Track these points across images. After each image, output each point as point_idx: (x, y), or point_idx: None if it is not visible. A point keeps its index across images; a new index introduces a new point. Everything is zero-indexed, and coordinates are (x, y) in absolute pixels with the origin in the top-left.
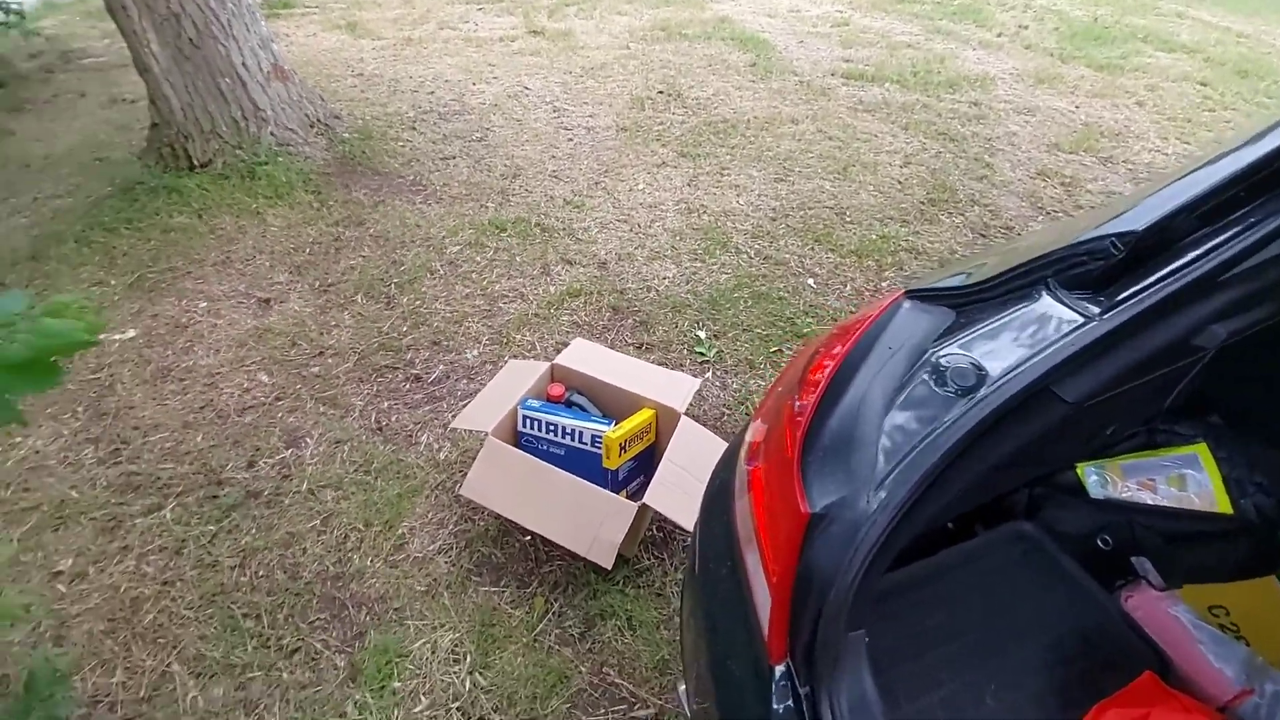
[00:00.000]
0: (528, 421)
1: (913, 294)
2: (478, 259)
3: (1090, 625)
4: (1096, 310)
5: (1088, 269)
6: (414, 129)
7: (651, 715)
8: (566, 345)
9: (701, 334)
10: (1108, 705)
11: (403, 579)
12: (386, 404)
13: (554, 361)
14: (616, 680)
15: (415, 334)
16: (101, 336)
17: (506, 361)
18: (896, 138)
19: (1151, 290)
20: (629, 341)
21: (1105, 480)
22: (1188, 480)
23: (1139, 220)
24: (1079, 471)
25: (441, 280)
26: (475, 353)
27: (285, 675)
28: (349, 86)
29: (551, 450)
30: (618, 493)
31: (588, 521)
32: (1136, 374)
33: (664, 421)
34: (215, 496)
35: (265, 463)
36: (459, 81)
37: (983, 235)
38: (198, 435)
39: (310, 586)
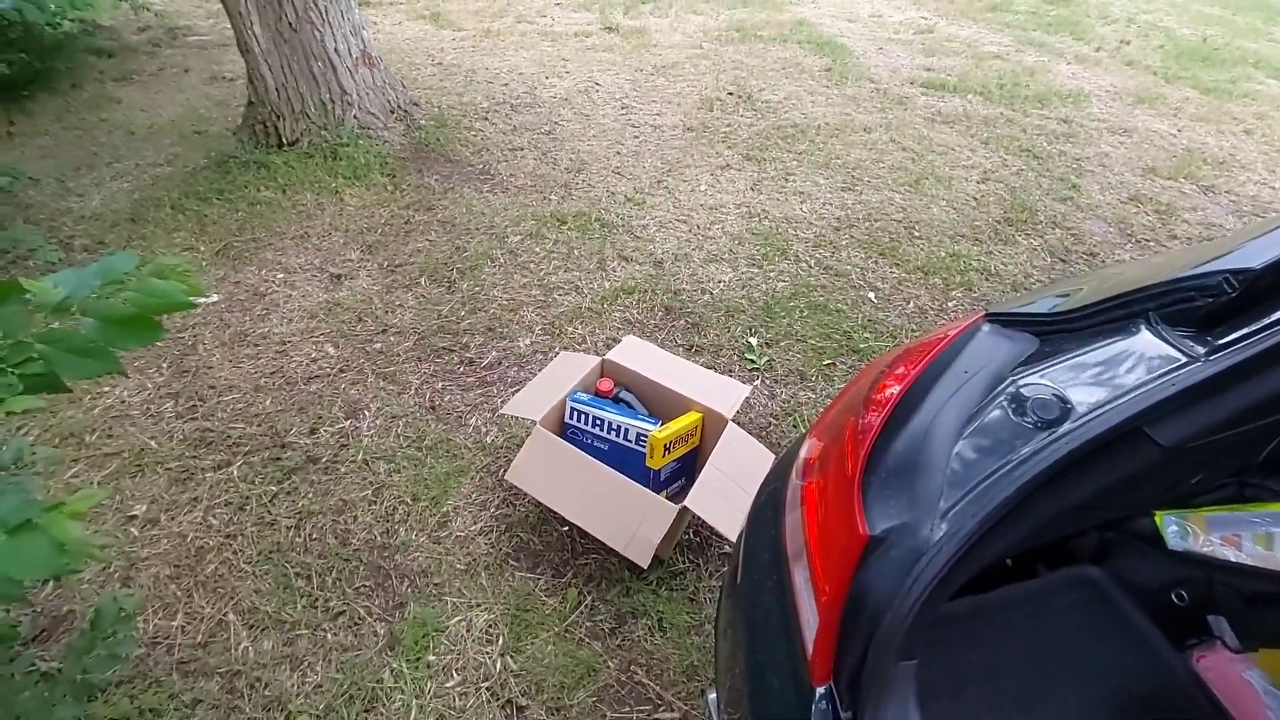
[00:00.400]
0: (575, 414)
1: (994, 317)
2: (537, 250)
3: (1154, 682)
4: (1202, 350)
5: (1194, 305)
6: (486, 119)
7: (676, 719)
8: (617, 341)
9: (753, 341)
10: None
11: (444, 555)
12: (441, 384)
13: (605, 357)
14: (644, 680)
15: (473, 319)
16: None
17: (558, 353)
18: (975, 152)
19: (1264, 334)
20: (679, 342)
21: (1186, 531)
22: (1275, 540)
23: (1254, 258)
24: (1158, 519)
25: (501, 268)
26: (528, 341)
27: (330, 637)
28: (428, 75)
29: (596, 445)
30: (658, 493)
31: (627, 518)
32: (1237, 422)
33: (710, 426)
34: (279, 459)
35: (326, 431)
36: (532, 74)
37: (1063, 260)
38: (267, 399)
39: (358, 553)
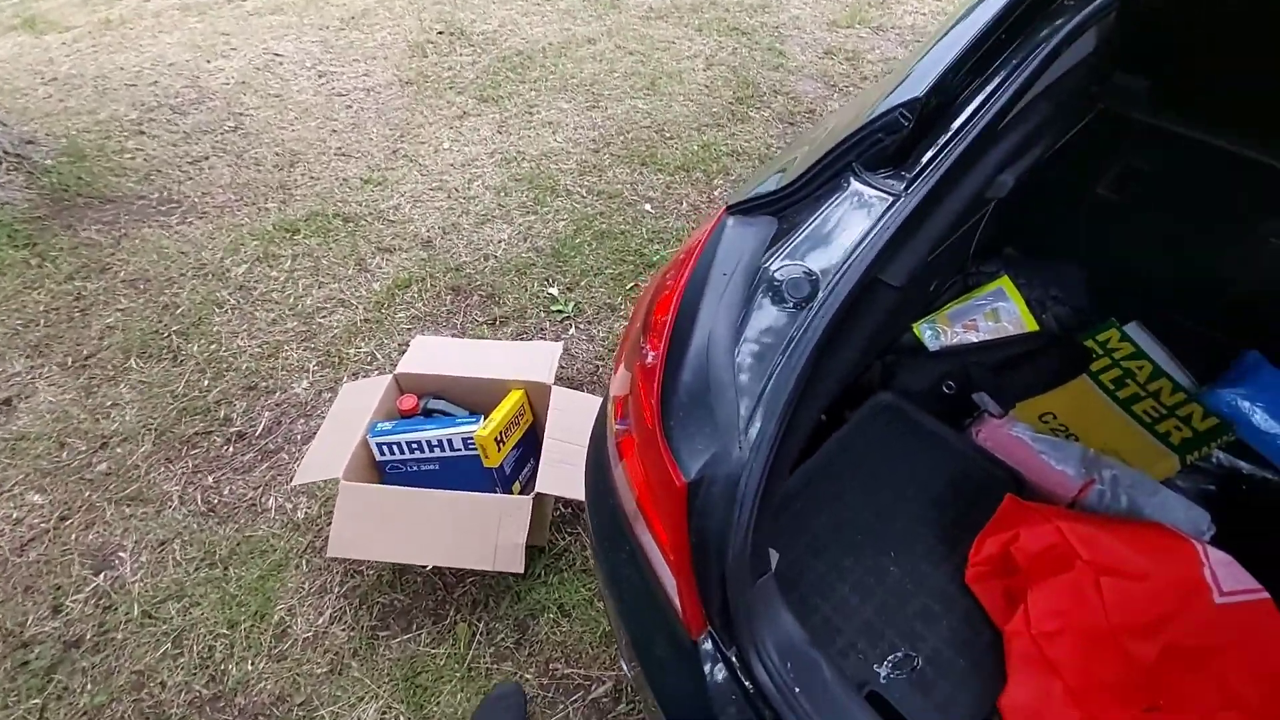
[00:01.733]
0: (383, 449)
1: (734, 209)
2: (274, 275)
3: (955, 468)
4: (901, 186)
5: (884, 145)
6: (142, 133)
7: (610, 689)
8: (408, 346)
9: (554, 291)
10: (984, 537)
11: (297, 668)
12: (211, 478)
13: (396, 371)
14: (566, 671)
15: (221, 385)
16: None
17: (343, 385)
18: (694, 41)
19: (942, 156)
20: (480, 320)
21: (938, 332)
22: (1000, 311)
23: (918, 85)
24: (915, 330)
25: (235, 312)
26: (305, 384)
27: None
28: (41, 98)
29: (424, 469)
30: (511, 487)
31: (483, 532)
32: (946, 237)
33: (536, 397)
34: (25, 663)
35: (73, 601)
36: (188, 62)
37: (790, 124)
38: None
39: None
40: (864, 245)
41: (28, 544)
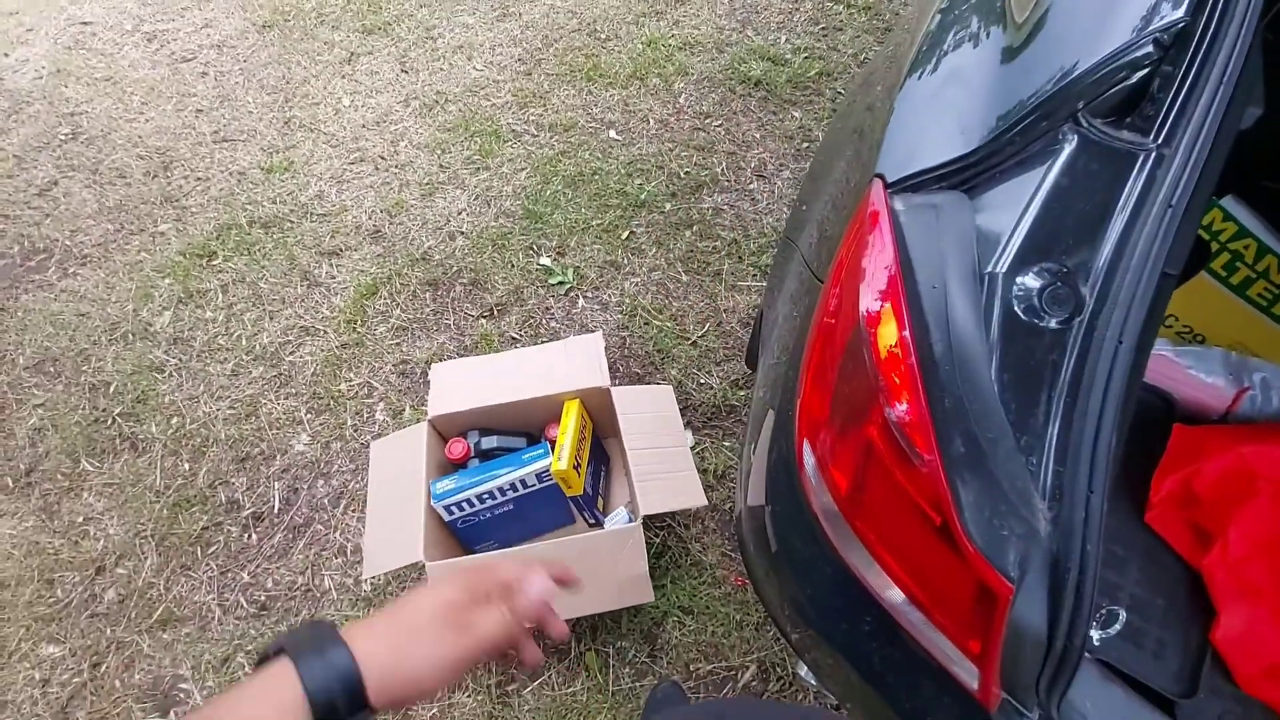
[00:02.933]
0: (452, 509)
1: (896, 186)
2: (209, 316)
3: None
4: (1151, 139)
5: (1124, 87)
6: None
7: (755, 672)
8: (406, 363)
9: (545, 261)
10: (1161, 474)
11: None
12: (246, 573)
13: (429, 416)
14: (709, 668)
15: (205, 463)
16: None
17: (361, 446)
18: None
19: (1195, 90)
20: (473, 314)
21: None
22: None
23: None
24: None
25: (182, 373)
26: (305, 440)
27: None
28: None
29: (499, 513)
30: (595, 507)
31: (601, 572)
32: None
33: (592, 401)
34: None
35: None
36: None
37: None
38: None
39: None
40: (1139, 226)
41: (69, 704)
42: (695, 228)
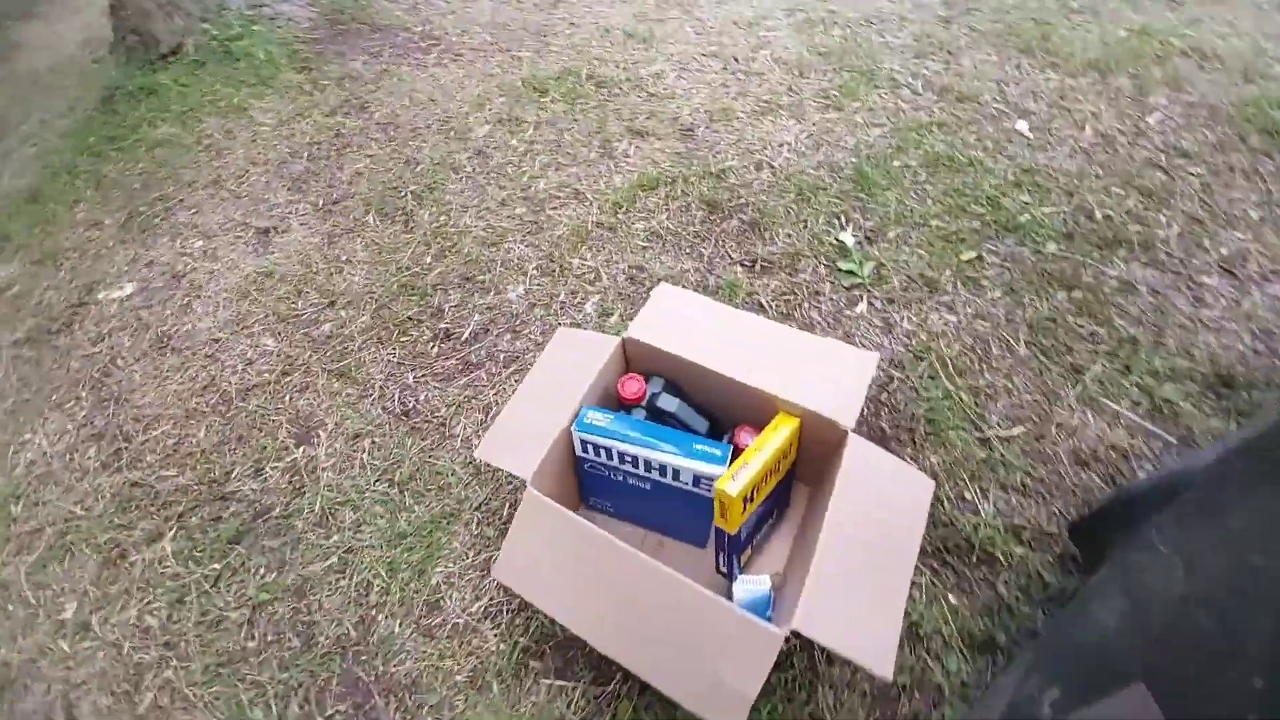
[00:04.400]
0: (588, 447)
1: None
2: (513, 143)
3: None
4: None
5: None
6: None
7: None
8: (642, 271)
9: (847, 237)
10: None
11: (439, 659)
12: (412, 376)
13: (627, 335)
14: None
15: (442, 266)
16: (101, 295)
17: (560, 306)
18: None
19: None
20: (734, 258)
21: None
22: None
23: None
24: None
25: (469, 180)
26: (520, 290)
27: None
28: None
29: (631, 483)
30: (738, 553)
31: (702, 654)
32: None
33: (815, 432)
34: (219, 518)
35: (274, 468)
36: None
37: None
38: (200, 429)
39: (328, 660)
40: None
41: (252, 389)
42: (1079, 294)
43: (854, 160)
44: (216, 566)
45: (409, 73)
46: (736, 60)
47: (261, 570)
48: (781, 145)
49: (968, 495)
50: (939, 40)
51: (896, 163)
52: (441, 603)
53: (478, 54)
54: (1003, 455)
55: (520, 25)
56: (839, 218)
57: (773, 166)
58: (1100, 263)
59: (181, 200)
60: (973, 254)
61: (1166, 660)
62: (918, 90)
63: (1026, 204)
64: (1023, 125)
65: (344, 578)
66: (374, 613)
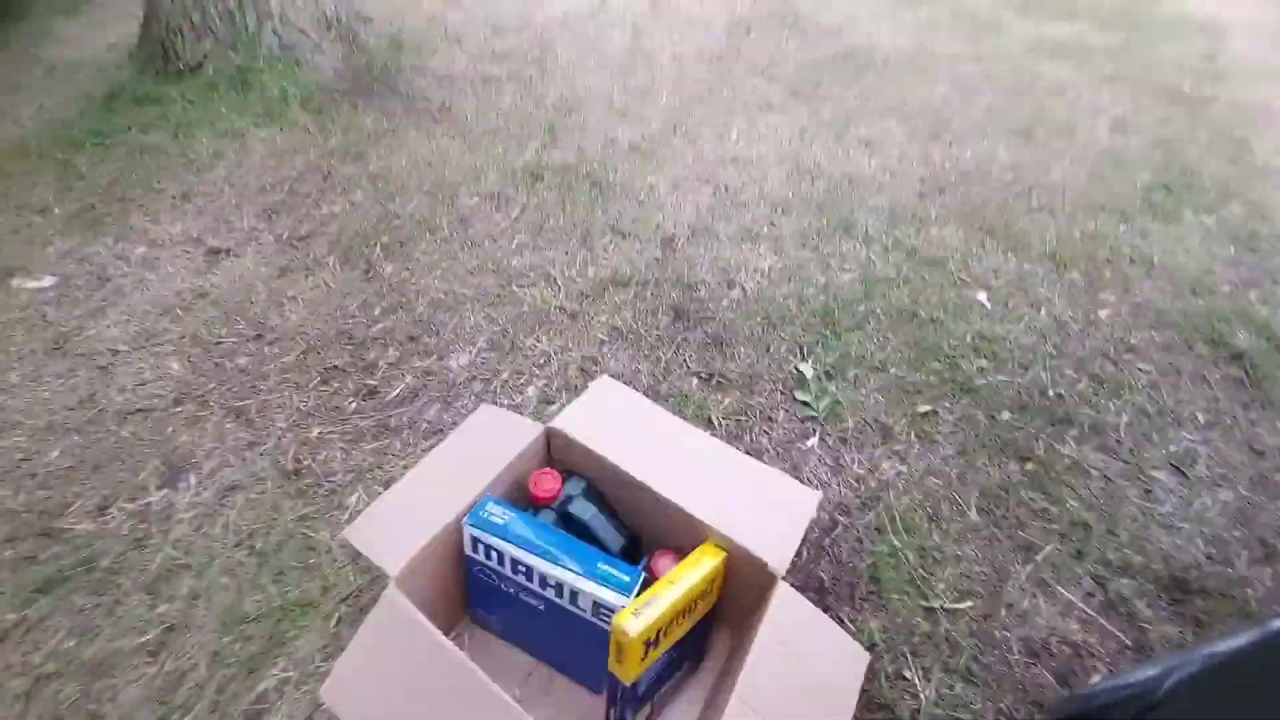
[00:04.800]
0: (479, 545)
1: None
2: (497, 218)
3: None
4: None
5: None
6: (458, 43)
7: None
8: (597, 366)
9: (807, 369)
10: None
11: None
12: (318, 430)
13: (550, 424)
14: None
15: (389, 320)
16: (15, 283)
17: (499, 386)
18: (1099, 93)
19: None
20: (692, 369)
21: None
22: None
23: None
24: None
25: (444, 244)
26: (464, 360)
27: None
28: None
29: (523, 599)
30: (635, 709)
31: None
32: None
33: (743, 575)
34: (34, 558)
35: (121, 509)
36: None
37: (1251, 250)
38: (56, 447)
39: None
40: None
41: (133, 413)
42: (1031, 466)
43: (823, 297)
44: (11, 617)
45: (415, 136)
46: (726, 189)
47: (62, 634)
48: (756, 270)
49: (907, 674)
50: (911, 209)
51: (862, 307)
52: (263, 718)
53: (486, 135)
54: (949, 631)
55: (534, 120)
56: (802, 348)
57: (744, 289)
58: (1053, 439)
59: (143, 205)
60: (929, 407)
61: None
62: (888, 246)
63: (983, 369)
64: (983, 296)
65: (155, 663)
66: (176, 715)
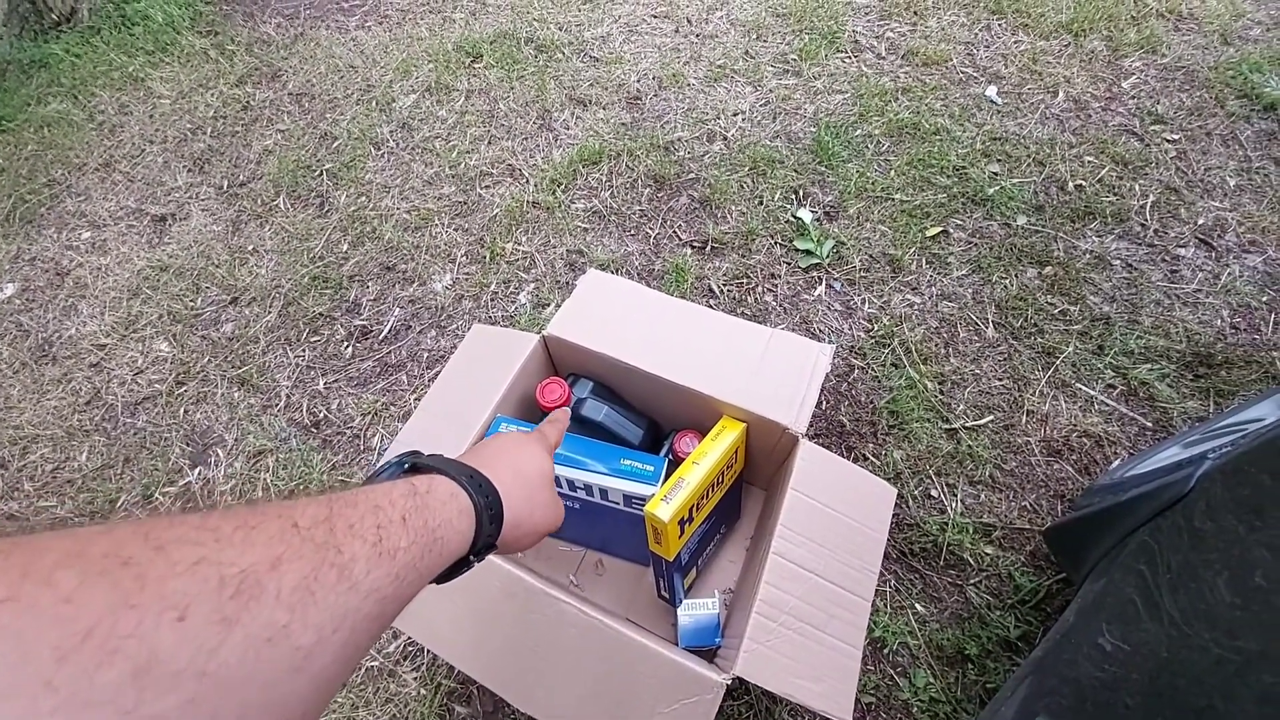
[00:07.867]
0: None
1: None
2: (442, 114)
3: None
4: None
5: None
6: None
7: None
8: (583, 256)
9: (804, 214)
10: None
11: (352, 710)
12: (323, 381)
13: (547, 332)
14: None
15: (359, 254)
16: None
17: (488, 318)
18: None
19: None
20: (683, 238)
21: None
22: None
23: None
24: None
25: (391, 157)
26: (447, 280)
27: None
28: None
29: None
30: (680, 574)
31: (634, 705)
32: None
33: (764, 439)
34: None
35: (164, 494)
36: None
37: None
38: (83, 450)
39: None
40: None
41: (141, 403)
42: (1049, 270)
43: (813, 130)
44: None
45: (328, 37)
46: (689, 22)
47: None
48: (736, 114)
49: (934, 492)
50: (904, 1)
51: (858, 132)
52: None
53: (405, 15)
54: (970, 447)
55: None
56: (796, 193)
57: (726, 138)
58: (1072, 236)
59: (70, 186)
60: (938, 229)
61: (1165, 705)
62: (882, 54)
63: (995, 175)
64: (992, 91)
65: None
66: None
